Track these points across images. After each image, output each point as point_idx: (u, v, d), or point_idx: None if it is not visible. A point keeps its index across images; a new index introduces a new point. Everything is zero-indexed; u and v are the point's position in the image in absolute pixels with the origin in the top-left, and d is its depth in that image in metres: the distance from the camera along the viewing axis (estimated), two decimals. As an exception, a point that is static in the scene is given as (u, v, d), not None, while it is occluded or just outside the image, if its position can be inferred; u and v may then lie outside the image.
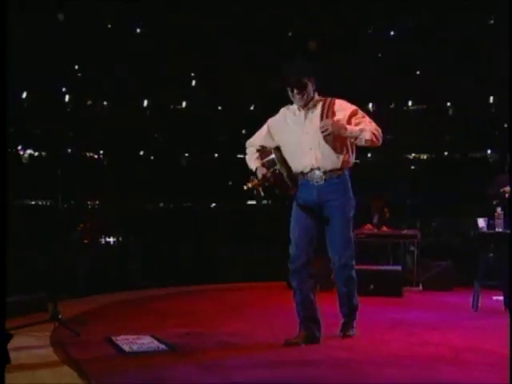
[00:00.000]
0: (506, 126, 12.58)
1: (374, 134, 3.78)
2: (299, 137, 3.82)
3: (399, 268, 7.08)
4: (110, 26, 12.17)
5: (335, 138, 3.75)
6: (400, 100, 13.46)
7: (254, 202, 13.09)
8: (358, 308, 4.01)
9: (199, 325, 4.64)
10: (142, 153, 13.54)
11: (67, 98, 13.10)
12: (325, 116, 3.78)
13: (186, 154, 13.62)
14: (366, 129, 3.77)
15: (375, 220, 8.04)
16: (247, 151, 4.07)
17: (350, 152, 3.86)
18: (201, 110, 13.35)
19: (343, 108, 3.83)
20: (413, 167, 13.74)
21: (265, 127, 4.02)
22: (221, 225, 11.28)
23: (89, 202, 12.58)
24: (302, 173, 3.84)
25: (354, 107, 3.88)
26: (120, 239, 11.25)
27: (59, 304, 4.31)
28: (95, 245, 10.42)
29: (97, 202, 12.59)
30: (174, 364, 3.28)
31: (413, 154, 13.80)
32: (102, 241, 10.90)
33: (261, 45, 11.39)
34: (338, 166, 3.80)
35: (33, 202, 12.62)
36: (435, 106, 13.31)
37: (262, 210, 11.93)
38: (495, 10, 11.37)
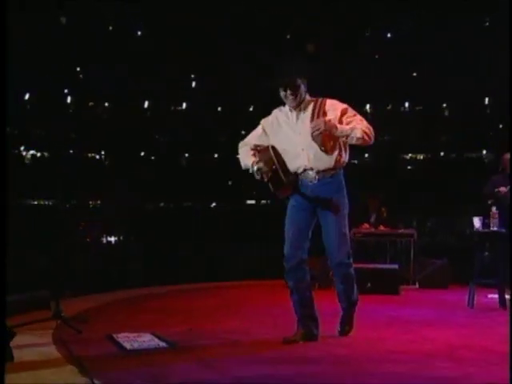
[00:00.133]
0: (501, 126, 12.60)
1: (365, 132, 3.73)
2: (292, 138, 3.80)
3: (396, 266, 7.08)
4: (110, 27, 12.15)
5: (327, 138, 3.72)
6: (397, 101, 13.48)
7: (253, 202, 13.10)
8: (357, 303, 3.98)
9: (199, 322, 4.64)
10: (142, 153, 13.55)
11: (69, 99, 13.11)
12: (316, 116, 3.75)
13: (186, 155, 13.63)
14: (356, 127, 3.72)
15: (372, 219, 8.05)
16: (241, 150, 4.00)
17: (343, 151, 3.82)
18: (201, 110, 13.36)
19: (334, 108, 3.80)
20: (409, 167, 13.76)
21: (259, 127, 4.00)
22: (221, 224, 11.28)
23: (90, 202, 12.58)
24: (295, 173, 3.83)
25: (344, 106, 3.83)
26: (121, 238, 11.25)
27: (61, 302, 4.31)
28: (97, 244, 10.42)
29: (98, 202, 12.60)
30: (175, 361, 3.28)
31: (409, 154, 13.82)
32: (104, 240, 10.90)
33: (261, 45, 11.35)
34: (331, 165, 3.77)
35: (35, 202, 12.62)
36: (431, 107, 13.32)
37: (261, 209, 11.95)
38: (491, 12, 11.38)
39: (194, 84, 13.37)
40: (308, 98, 3.85)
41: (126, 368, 3.12)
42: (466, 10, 11.07)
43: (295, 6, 10.96)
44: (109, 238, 11.10)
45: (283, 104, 3.90)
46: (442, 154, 13.52)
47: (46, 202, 12.58)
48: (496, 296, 5.64)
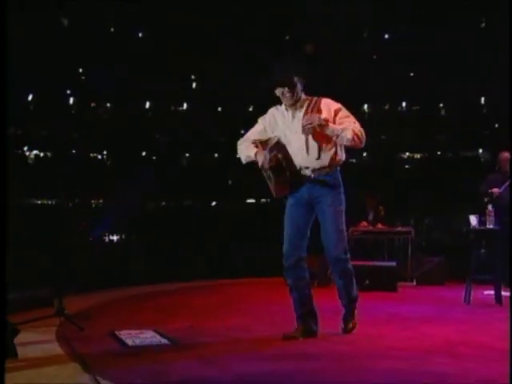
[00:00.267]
0: (496, 126, 12.61)
1: (356, 134, 3.69)
2: (288, 136, 3.79)
3: (394, 264, 7.07)
4: (112, 28, 12.12)
5: (321, 137, 3.70)
6: (394, 101, 13.48)
7: (253, 201, 13.09)
8: (357, 299, 3.93)
9: (200, 319, 4.63)
10: (144, 153, 13.54)
11: (71, 100, 13.10)
12: (310, 111, 3.74)
13: (187, 155, 13.62)
14: (348, 128, 3.68)
15: (370, 217, 8.04)
16: (241, 146, 3.95)
17: (339, 150, 3.80)
18: (201, 111, 13.34)
19: (329, 107, 3.77)
20: (407, 166, 13.76)
21: (258, 124, 3.97)
22: (221, 222, 11.26)
23: (92, 201, 12.57)
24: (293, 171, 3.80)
25: (338, 106, 3.81)
26: (123, 237, 11.24)
27: (64, 300, 4.30)
28: (99, 242, 10.40)
29: (100, 201, 12.59)
30: (176, 357, 3.27)
31: (407, 154, 13.82)
32: (106, 239, 10.89)
33: (261, 45, 11.31)
34: (326, 164, 3.75)
35: (38, 202, 12.61)
36: (428, 106, 13.32)
37: (261, 207, 11.93)
38: (487, 12, 11.38)
39: (194, 85, 13.35)
40: (304, 96, 3.83)
41: (128, 365, 3.11)
42: (463, 11, 11.06)
43: (295, 6, 10.91)
44: (111, 237, 11.09)
45: (280, 103, 3.89)
46: (438, 153, 13.53)
47: (49, 202, 12.58)
48: (492, 292, 5.64)
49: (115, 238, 11.13)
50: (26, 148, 13.11)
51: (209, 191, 12.34)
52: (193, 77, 13.19)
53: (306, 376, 2.88)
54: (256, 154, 3.79)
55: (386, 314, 4.89)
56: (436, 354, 3.31)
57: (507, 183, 6.63)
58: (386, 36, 12.66)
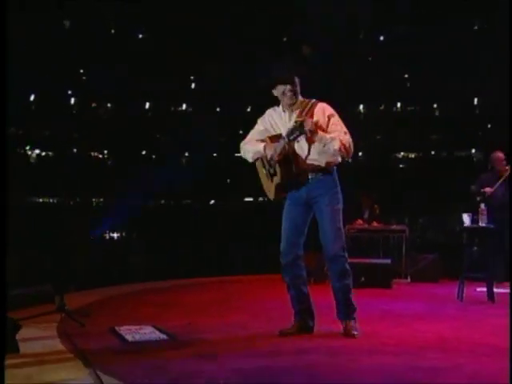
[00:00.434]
0: (489, 126, 12.64)
1: (343, 145, 3.62)
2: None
3: (388, 261, 7.08)
4: (112, 29, 12.09)
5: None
6: (389, 102, 13.49)
7: (251, 199, 13.09)
8: (356, 310, 3.74)
9: (198, 316, 4.63)
10: (144, 152, 13.54)
11: (72, 100, 13.09)
12: (304, 114, 3.68)
13: (186, 154, 13.62)
14: (336, 139, 3.62)
15: (366, 216, 8.06)
16: (246, 145, 3.89)
17: None
18: (200, 111, 13.33)
19: (323, 112, 3.72)
20: (401, 165, 13.78)
21: (259, 125, 3.94)
22: (219, 220, 11.27)
23: (93, 199, 12.57)
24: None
25: (332, 112, 3.74)
26: (123, 235, 11.24)
27: (65, 296, 4.30)
28: (99, 241, 10.40)
29: (101, 200, 12.58)
30: (174, 353, 3.28)
31: (402, 153, 13.84)
32: (106, 236, 10.88)
33: (261, 45, 11.26)
34: (322, 164, 3.72)
35: (40, 200, 12.60)
36: (423, 107, 13.34)
37: (258, 206, 11.93)
38: (483, 15, 11.39)
39: (193, 85, 13.34)
40: (301, 98, 3.80)
41: (128, 359, 3.12)
42: (459, 12, 11.07)
43: (295, 6, 10.85)
44: (111, 234, 11.09)
45: (278, 104, 3.87)
46: (432, 152, 13.55)
47: (51, 200, 12.57)
48: (484, 289, 5.65)
49: (115, 235, 11.13)
50: (27, 147, 13.10)
51: (208, 190, 12.34)
52: (192, 77, 13.17)
53: (301, 371, 2.88)
54: (265, 148, 3.74)
55: (380, 311, 4.90)
56: (429, 349, 3.32)
57: (499, 182, 6.66)
58: (382, 38, 12.66)
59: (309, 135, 3.60)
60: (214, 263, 8.91)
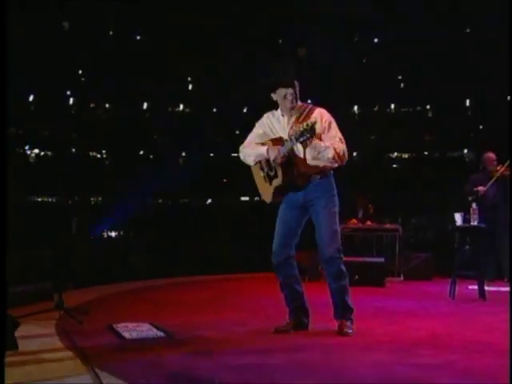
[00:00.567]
0: (481, 127, 12.68)
1: (337, 153, 3.60)
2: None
3: (382, 260, 7.10)
4: (112, 30, 12.04)
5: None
6: (383, 103, 13.51)
7: (247, 199, 13.10)
8: (353, 311, 3.72)
9: (195, 313, 4.64)
10: (141, 152, 13.53)
11: (71, 100, 13.06)
12: (301, 120, 3.65)
13: (183, 154, 13.61)
14: (330, 148, 3.60)
15: (360, 215, 8.07)
16: (246, 149, 3.86)
17: None
18: (197, 112, 13.32)
19: (321, 118, 3.68)
20: (395, 165, 13.81)
21: (257, 129, 3.90)
22: (216, 219, 11.26)
23: (92, 199, 12.56)
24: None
25: (330, 119, 3.72)
26: (121, 233, 11.23)
27: (64, 294, 4.29)
28: (98, 240, 10.39)
29: (99, 199, 12.57)
30: (171, 350, 3.28)
31: (395, 153, 13.87)
32: (105, 235, 10.87)
33: (261, 45, 11.20)
34: (321, 168, 3.70)
35: (39, 199, 12.57)
36: (416, 108, 13.36)
37: (254, 205, 11.92)
38: (471, 19, 11.41)
39: (190, 86, 13.32)
40: (299, 103, 3.77)
41: (125, 356, 3.12)
42: (448, 16, 11.09)
43: (295, 6, 10.79)
44: (109, 233, 11.07)
45: (276, 108, 3.83)
46: (425, 153, 13.59)
47: (50, 199, 12.54)
48: (476, 287, 5.67)
49: (113, 234, 11.11)
50: (27, 147, 13.07)
51: (205, 189, 12.34)
52: (189, 79, 13.15)
53: (296, 367, 2.89)
54: (268, 150, 3.70)
55: (373, 308, 4.91)
56: (421, 346, 3.33)
57: (491, 182, 6.68)
58: (376, 40, 12.67)
59: (316, 139, 3.56)
60: (212, 262, 8.90)
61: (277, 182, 3.74)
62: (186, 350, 3.26)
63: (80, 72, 12.79)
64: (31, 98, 12.65)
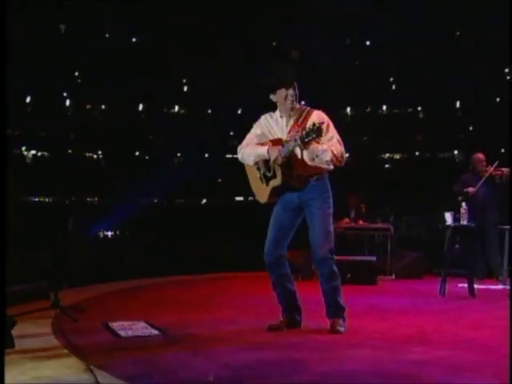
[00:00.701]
0: (471, 128, 12.75)
1: (335, 155, 3.61)
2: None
3: (374, 258, 7.11)
4: (109, 31, 11.96)
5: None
6: (375, 104, 13.55)
7: (241, 199, 13.09)
8: (345, 310, 3.73)
9: (190, 311, 4.63)
10: (137, 153, 13.50)
11: (68, 102, 13.02)
12: (299, 123, 3.66)
13: (179, 154, 13.59)
14: (327, 150, 3.59)
15: (352, 214, 8.07)
16: (245, 149, 3.81)
17: None
18: (193, 113, 13.30)
19: (319, 120, 3.63)
20: (387, 166, 13.85)
21: (255, 129, 3.87)
22: (211, 219, 11.25)
23: (88, 199, 12.52)
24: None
25: (328, 121, 3.70)
26: (117, 233, 11.20)
27: (60, 293, 4.28)
28: (94, 238, 10.35)
29: (96, 199, 12.53)
30: (166, 348, 3.28)
31: (387, 154, 13.90)
32: (101, 234, 10.83)
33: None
34: (318, 170, 3.70)
35: (36, 199, 12.53)
36: (407, 110, 13.41)
37: (249, 205, 11.91)
38: (462, 22, 11.45)
39: (185, 88, 13.29)
40: (298, 105, 3.76)
41: (120, 354, 3.12)
42: (440, 17, 11.11)
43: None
44: (105, 232, 11.04)
45: (274, 109, 3.81)
46: (417, 153, 13.63)
47: (47, 199, 12.50)
48: (465, 285, 5.70)
49: (109, 233, 11.08)
50: (24, 148, 13.02)
51: (199, 189, 12.33)
52: (184, 81, 13.12)
53: (289, 364, 2.90)
54: (268, 151, 3.67)
55: (365, 306, 4.93)
56: (411, 342, 3.35)
57: (480, 183, 6.72)
58: (368, 43, 12.69)
59: (302, 147, 3.55)
60: (204, 261, 8.88)
61: (274, 182, 3.72)
62: (180, 348, 3.26)
63: (77, 74, 12.75)
64: (28, 99, 12.60)
